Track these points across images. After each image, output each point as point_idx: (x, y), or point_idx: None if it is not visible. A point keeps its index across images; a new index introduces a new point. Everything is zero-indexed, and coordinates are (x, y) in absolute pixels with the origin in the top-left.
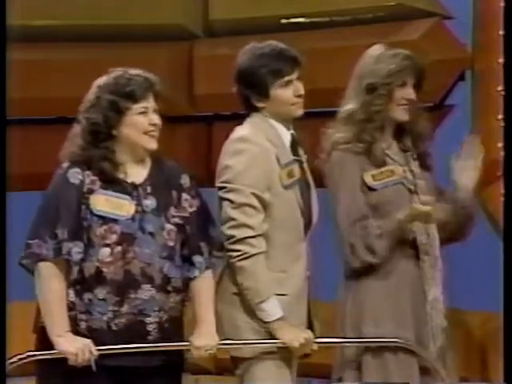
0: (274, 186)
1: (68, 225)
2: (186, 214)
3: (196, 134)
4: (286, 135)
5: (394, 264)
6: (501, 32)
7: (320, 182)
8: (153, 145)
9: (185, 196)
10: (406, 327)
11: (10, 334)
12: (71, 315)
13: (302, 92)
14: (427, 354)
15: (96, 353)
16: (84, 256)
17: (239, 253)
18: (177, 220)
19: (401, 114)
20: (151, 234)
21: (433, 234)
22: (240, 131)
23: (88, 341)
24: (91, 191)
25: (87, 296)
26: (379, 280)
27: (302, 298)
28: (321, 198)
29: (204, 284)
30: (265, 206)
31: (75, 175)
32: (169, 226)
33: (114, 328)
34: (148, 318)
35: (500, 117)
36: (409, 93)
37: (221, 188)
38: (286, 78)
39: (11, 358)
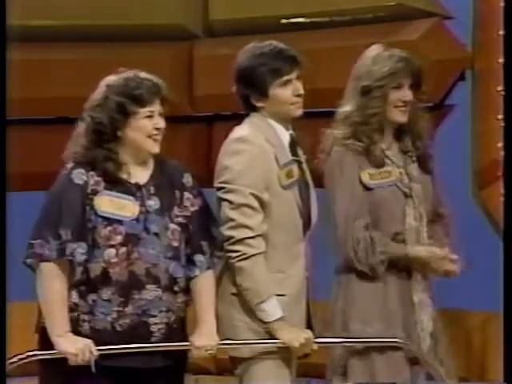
0: (273, 187)
1: (71, 225)
2: (188, 214)
3: (196, 134)
4: (285, 135)
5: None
6: (501, 32)
7: (320, 182)
8: (156, 149)
9: (187, 195)
10: (395, 328)
11: (10, 334)
12: (73, 316)
13: (302, 91)
14: (426, 354)
15: (96, 353)
16: (88, 257)
17: (238, 253)
18: (180, 219)
19: (398, 116)
20: (156, 234)
21: (423, 239)
22: (239, 131)
23: (88, 341)
24: (95, 192)
25: (91, 297)
26: (368, 280)
27: (300, 298)
28: (320, 198)
29: (205, 284)
30: (264, 206)
31: (79, 176)
32: (173, 226)
33: (118, 329)
34: (152, 319)
35: (500, 117)
36: (405, 94)
37: (219, 188)
38: (285, 78)
39: (11, 358)
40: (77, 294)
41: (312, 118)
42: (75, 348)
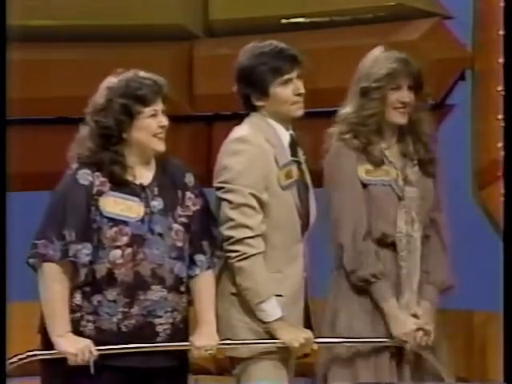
0: (272, 187)
1: (76, 226)
2: (190, 213)
3: (196, 133)
4: (285, 135)
5: None
6: (501, 32)
7: (319, 182)
8: (161, 147)
9: (189, 195)
10: (379, 327)
11: (10, 334)
12: (76, 317)
13: (302, 91)
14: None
15: (96, 353)
16: (93, 258)
17: (238, 253)
18: (183, 220)
19: (397, 117)
20: (160, 234)
21: (414, 242)
22: (238, 131)
23: (88, 341)
24: (101, 193)
25: (96, 298)
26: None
27: (298, 299)
28: (320, 198)
29: (205, 284)
30: (263, 206)
31: (85, 176)
32: (176, 226)
33: (123, 329)
34: (157, 320)
35: (500, 117)
36: (404, 95)
37: (219, 188)
38: (286, 77)
39: (11, 358)
40: (80, 295)
41: (312, 118)
42: (75, 348)
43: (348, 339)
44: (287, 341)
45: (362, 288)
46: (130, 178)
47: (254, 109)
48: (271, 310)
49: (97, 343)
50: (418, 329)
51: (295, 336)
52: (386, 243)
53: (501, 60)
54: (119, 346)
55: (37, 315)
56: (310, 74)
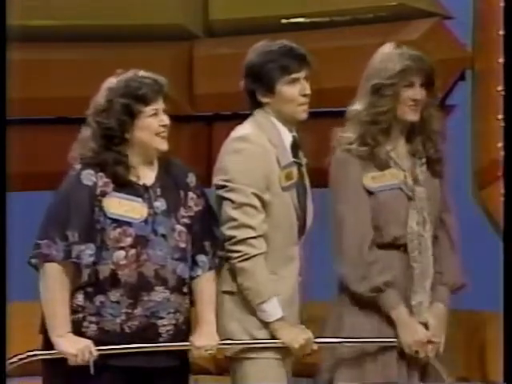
0: (273, 187)
1: (79, 227)
2: (192, 214)
3: (196, 133)
4: (288, 137)
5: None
6: (501, 32)
7: (319, 182)
8: (164, 146)
9: (191, 195)
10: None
11: (10, 334)
12: (78, 318)
13: (309, 92)
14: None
15: (96, 354)
16: (96, 259)
17: (240, 254)
18: (186, 220)
19: (410, 115)
20: (163, 235)
21: (425, 242)
22: (241, 130)
23: (88, 341)
24: (104, 193)
25: (99, 298)
26: None
27: (293, 302)
28: (317, 199)
29: (206, 284)
30: (265, 206)
31: (89, 177)
32: (179, 227)
33: (126, 330)
34: (160, 321)
35: (500, 117)
36: (416, 93)
37: (220, 187)
38: (293, 76)
39: (11, 358)
40: (82, 296)
41: (315, 118)
42: (75, 348)
43: (347, 340)
44: (287, 341)
45: (370, 299)
46: (133, 178)
47: (259, 106)
48: (272, 310)
49: (100, 344)
50: (428, 341)
51: (295, 336)
52: (397, 245)
53: (501, 60)
54: (119, 346)
55: (37, 315)
56: (312, 74)
